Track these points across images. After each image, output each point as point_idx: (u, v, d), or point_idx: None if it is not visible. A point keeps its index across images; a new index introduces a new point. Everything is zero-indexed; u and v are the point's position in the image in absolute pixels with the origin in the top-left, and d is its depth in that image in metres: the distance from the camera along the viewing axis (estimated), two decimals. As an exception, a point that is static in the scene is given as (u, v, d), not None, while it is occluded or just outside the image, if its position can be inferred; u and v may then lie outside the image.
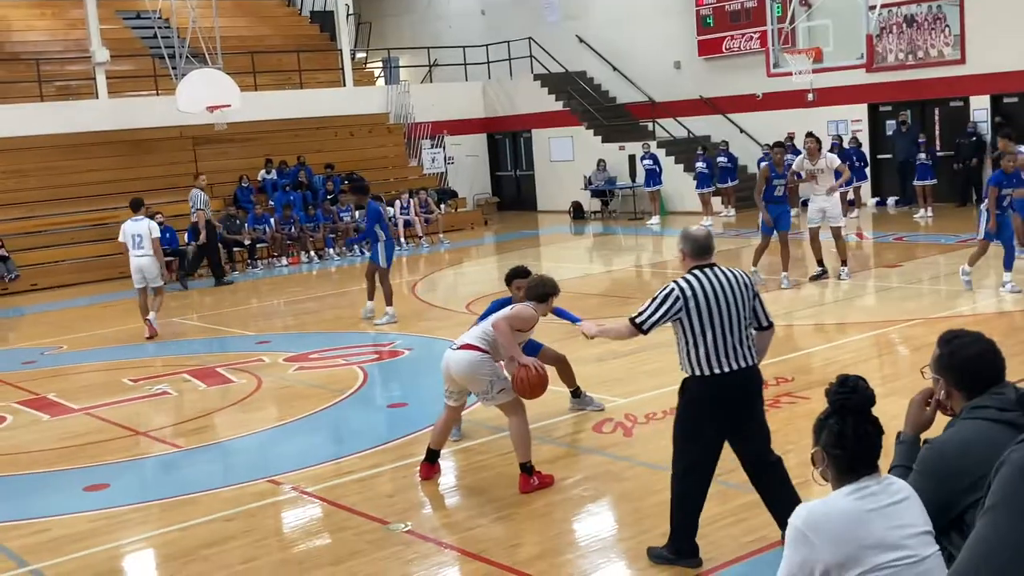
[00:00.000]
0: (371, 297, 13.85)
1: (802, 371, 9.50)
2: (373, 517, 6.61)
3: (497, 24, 29.47)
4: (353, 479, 7.42)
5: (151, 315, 13.96)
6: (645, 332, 5.48)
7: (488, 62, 29.05)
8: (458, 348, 7.12)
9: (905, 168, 21.69)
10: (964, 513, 3.28)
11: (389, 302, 13.48)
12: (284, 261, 20.56)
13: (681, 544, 5.53)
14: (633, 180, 25.12)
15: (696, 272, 5.41)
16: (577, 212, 26.20)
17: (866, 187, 22.53)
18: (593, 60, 27.79)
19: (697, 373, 5.40)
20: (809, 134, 14.45)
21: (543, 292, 7.12)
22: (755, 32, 24.28)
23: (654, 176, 23.48)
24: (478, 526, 6.37)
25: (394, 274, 16.17)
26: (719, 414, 5.43)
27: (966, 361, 3.49)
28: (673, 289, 5.37)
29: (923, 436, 3.69)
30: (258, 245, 20.95)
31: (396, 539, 6.23)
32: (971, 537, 1.73)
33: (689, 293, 5.32)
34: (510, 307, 7.19)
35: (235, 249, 20.58)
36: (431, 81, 29.79)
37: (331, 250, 21.53)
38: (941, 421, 3.65)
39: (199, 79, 20.44)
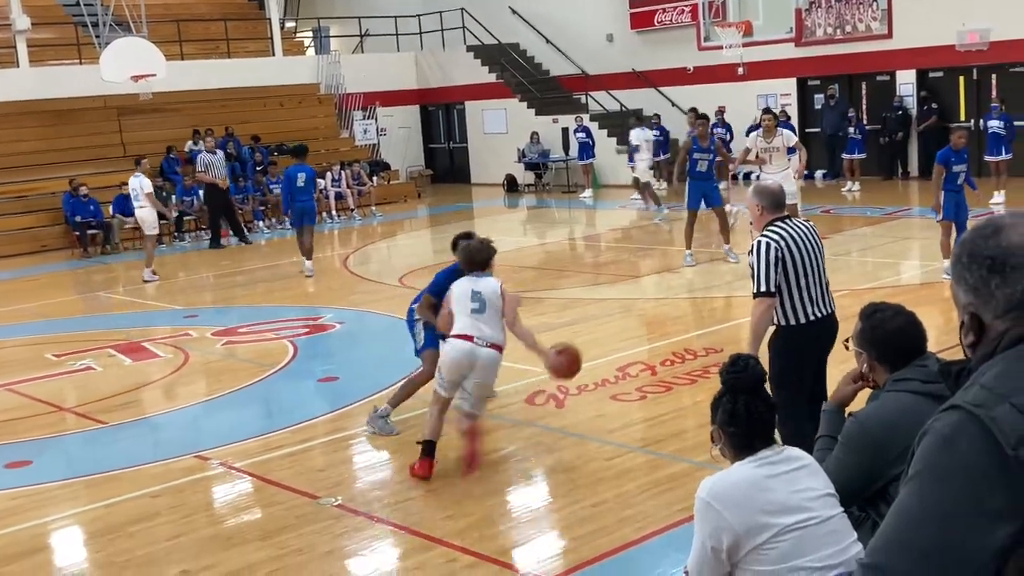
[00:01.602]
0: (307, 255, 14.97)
1: (732, 342, 9.59)
2: (303, 492, 6.55)
3: (429, -6, 29.22)
4: (283, 454, 7.35)
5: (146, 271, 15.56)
6: (773, 294, 5.41)
7: (420, 33, 28.80)
8: (488, 346, 6.50)
9: (833, 142, 21.98)
10: (889, 484, 3.33)
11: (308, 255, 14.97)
12: (209, 235, 20.22)
13: None
14: (566, 153, 25.14)
15: (778, 224, 5.48)
16: (511, 185, 26.15)
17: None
18: (527, 32, 27.69)
19: (791, 322, 5.46)
20: (767, 110, 14.06)
21: (484, 258, 6.75)
22: (686, 6, 24.35)
23: (587, 149, 23.52)
24: (409, 499, 6.35)
25: (325, 247, 16.03)
26: (810, 359, 5.54)
27: (888, 334, 3.53)
28: (768, 243, 5.40)
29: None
30: (185, 218, 20.59)
31: (326, 513, 6.18)
32: (894, 506, 1.74)
33: (783, 243, 5.39)
34: (508, 301, 6.63)
35: (161, 222, 20.17)
36: (363, 51, 29.46)
37: (260, 223, 21.25)
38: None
39: (123, 48, 19.96)
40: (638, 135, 19.42)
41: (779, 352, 5.56)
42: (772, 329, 5.62)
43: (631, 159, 19.65)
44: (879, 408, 3.47)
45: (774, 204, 5.55)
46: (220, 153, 19.63)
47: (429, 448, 6.69)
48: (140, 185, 15.97)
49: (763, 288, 5.41)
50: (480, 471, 6.70)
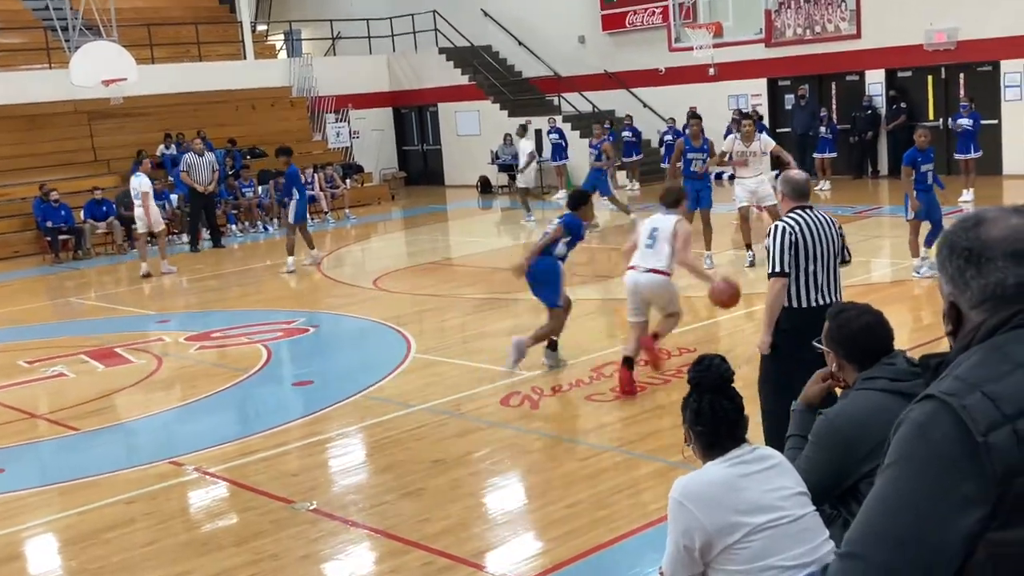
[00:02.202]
0: (311, 246, 15.90)
1: (705, 342, 9.66)
2: (278, 497, 6.54)
3: (401, -3, 29.20)
4: (258, 458, 7.34)
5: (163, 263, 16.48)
6: (787, 274, 5.77)
7: (393, 35, 28.77)
8: (645, 271, 8.08)
9: (804, 141, 22.11)
10: (859, 482, 3.37)
11: (290, 252, 15.66)
12: (185, 238, 20.11)
13: None
14: (539, 154, 25.15)
15: (797, 212, 5.85)
16: (484, 186, 26.17)
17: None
18: (499, 34, 27.71)
19: (794, 305, 5.81)
20: (746, 115, 14.19)
21: (677, 198, 8.44)
22: (657, 7, 24.44)
23: (560, 150, 23.55)
24: (385, 503, 6.35)
25: (299, 250, 16.00)
26: (804, 341, 5.63)
27: (854, 333, 3.58)
28: (784, 227, 5.79)
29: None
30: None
31: (302, 518, 6.18)
32: (870, 495, 1.79)
33: (798, 228, 5.77)
34: (680, 235, 8.14)
35: (133, 226, 20.07)
36: (335, 54, 29.40)
37: (234, 226, 21.16)
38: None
39: (93, 52, 19.83)
40: (525, 146, 20.07)
41: (781, 332, 5.87)
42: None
43: (519, 168, 20.32)
44: (848, 406, 3.52)
45: (796, 193, 5.93)
46: (209, 156, 19.39)
47: (627, 362, 8.10)
48: (140, 184, 16.59)
49: (777, 268, 5.79)
50: (454, 473, 6.72)
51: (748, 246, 13.30)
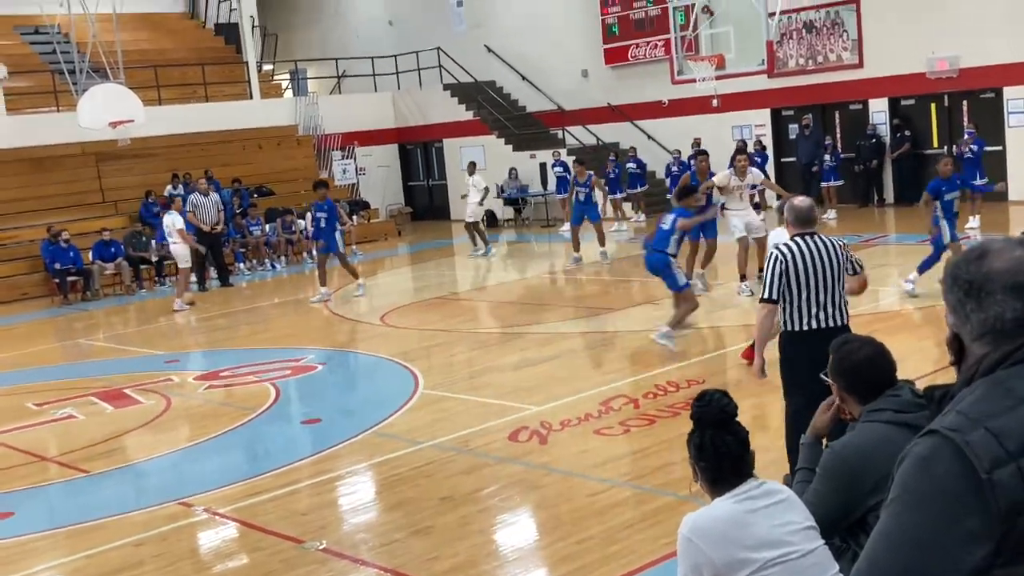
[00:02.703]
0: (323, 283, 16.24)
1: (714, 373, 9.64)
2: (288, 536, 6.52)
3: (405, 34, 29.41)
4: (267, 498, 7.32)
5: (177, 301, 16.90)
6: (774, 301, 6.03)
7: (397, 72, 28.97)
8: None
9: (809, 171, 22.16)
10: (867, 514, 3.36)
11: (355, 276, 16.47)
12: (192, 278, 20.15)
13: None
14: (545, 188, 25.25)
15: (797, 239, 6.06)
16: (491, 220, 26.21)
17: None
18: (502, 69, 27.89)
19: (790, 328, 6.03)
20: (741, 151, 14.30)
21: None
22: (659, 40, 24.60)
23: (565, 183, 23.57)
24: (395, 540, 6.33)
25: (307, 287, 16.03)
26: (811, 365, 5.83)
27: (854, 366, 3.59)
28: (776, 254, 6.04)
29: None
30: (166, 262, 20.55)
31: (311, 557, 6.15)
32: (875, 530, 1.79)
33: (789, 256, 5.97)
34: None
35: (142, 267, 20.18)
36: (340, 92, 29.59)
37: (241, 265, 21.23)
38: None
39: (101, 94, 19.98)
40: (475, 181, 20.45)
41: (782, 357, 6.12)
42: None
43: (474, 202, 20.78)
44: (854, 438, 3.51)
45: (797, 220, 6.11)
46: (214, 196, 19.47)
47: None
48: (172, 222, 17.38)
49: (764, 295, 6.09)
50: (463, 510, 6.70)
51: (743, 277, 13.41)
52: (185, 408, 10.31)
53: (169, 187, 22.71)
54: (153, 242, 20.42)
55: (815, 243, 6.00)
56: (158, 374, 11.91)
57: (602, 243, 17.66)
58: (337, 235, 16.40)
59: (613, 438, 7.96)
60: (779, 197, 19.98)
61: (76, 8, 19.92)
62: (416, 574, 5.76)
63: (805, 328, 5.96)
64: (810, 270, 5.93)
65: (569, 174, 23.68)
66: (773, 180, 22.73)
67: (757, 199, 21.23)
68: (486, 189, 20.82)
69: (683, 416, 8.21)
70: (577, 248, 17.84)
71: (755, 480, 3.29)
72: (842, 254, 6.06)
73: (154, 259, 20.22)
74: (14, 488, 8.16)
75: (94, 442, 9.27)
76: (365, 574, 5.91)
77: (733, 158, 13.78)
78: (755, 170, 14.24)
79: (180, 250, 17.44)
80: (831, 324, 5.94)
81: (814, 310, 5.95)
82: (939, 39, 20.25)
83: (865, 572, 1.79)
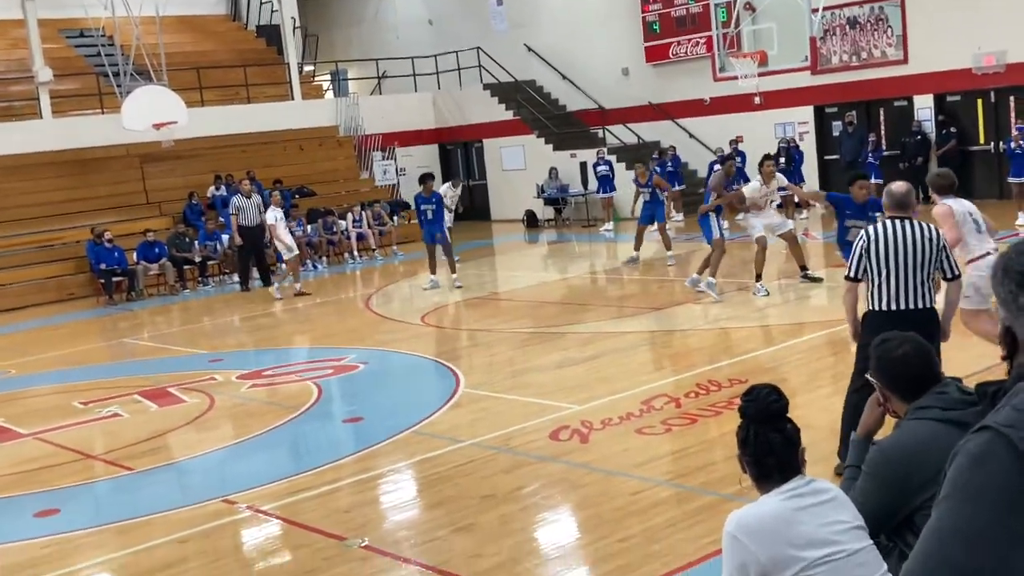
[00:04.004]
0: (433, 271, 16.84)
1: (757, 372, 9.55)
2: (330, 533, 6.54)
3: (445, 34, 29.47)
4: (309, 496, 7.35)
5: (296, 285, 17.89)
6: (857, 280, 6.28)
7: (437, 72, 29.03)
8: (996, 250, 8.32)
9: (852, 168, 21.90)
10: (915, 512, 3.31)
11: (453, 270, 16.89)
12: (235, 278, 20.34)
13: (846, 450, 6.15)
14: (585, 187, 25.20)
15: (887, 221, 6.22)
16: (531, 220, 26.22)
17: (815, 187, 22.73)
18: (542, 69, 27.87)
19: (874, 308, 6.19)
20: (768, 156, 14.22)
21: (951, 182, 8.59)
22: (701, 37, 24.46)
23: (607, 182, 23.56)
24: (436, 538, 6.33)
25: (348, 287, 16.10)
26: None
27: (892, 363, 3.55)
28: (862, 235, 6.25)
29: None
30: (209, 262, 20.75)
31: (353, 555, 6.17)
32: (927, 527, 1.75)
33: (874, 237, 6.16)
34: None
35: (185, 267, 20.38)
36: (380, 93, 29.70)
37: (283, 265, 21.33)
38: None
39: (144, 96, 20.21)
40: (444, 190, 19.76)
41: (862, 332, 6.26)
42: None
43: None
44: (900, 436, 3.47)
45: (893, 204, 6.30)
46: (256, 197, 19.48)
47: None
48: (275, 218, 18.04)
49: (848, 273, 6.34)
50: (504, 508, 6.68)
51: (759, 276, 13.34)
52: (228, 407, 10.38)
53: (212, 188, 22.93)
54: (196, 243, 20.60)
55: (905, 227, 6.12)
56: (202, 373, 12.01)
57: (668, 246, 17.45)
58: (446, 225, 17.25)
59: (654, 437, 7.91)
60: (799, 204, 20.08)
61: (120, 11, 20.14)
62: (459, 572, 5.76)
63: (884, 308, 6.12)
64: (891, 252, 6.07)
65: (613, 174, 23.70)
66: (817, 178, 22.60)
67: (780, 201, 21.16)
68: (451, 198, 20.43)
69: (725, 415, 8.16)
70: (638, 247, 17.72)
71: (803, 477, 3.25)
72: (936, 243, 6.14)
73: (197, 259, 20.40)
74: (61, 485, 8.26)
75: (139, 440, 9.36)
76: (407, 572, 5.91)
77: (761, 164, 13.61)
78: (779, 175, 14.21)
79: (287, 239, 18.06)
80: (911, 306, 6.08)
81: (895, 292, 6.10)
82: (985, 33, 19.97)
83: (917, 569, 1.76)
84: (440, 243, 16.84)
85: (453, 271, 16.84)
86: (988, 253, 8.35)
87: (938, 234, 6.21)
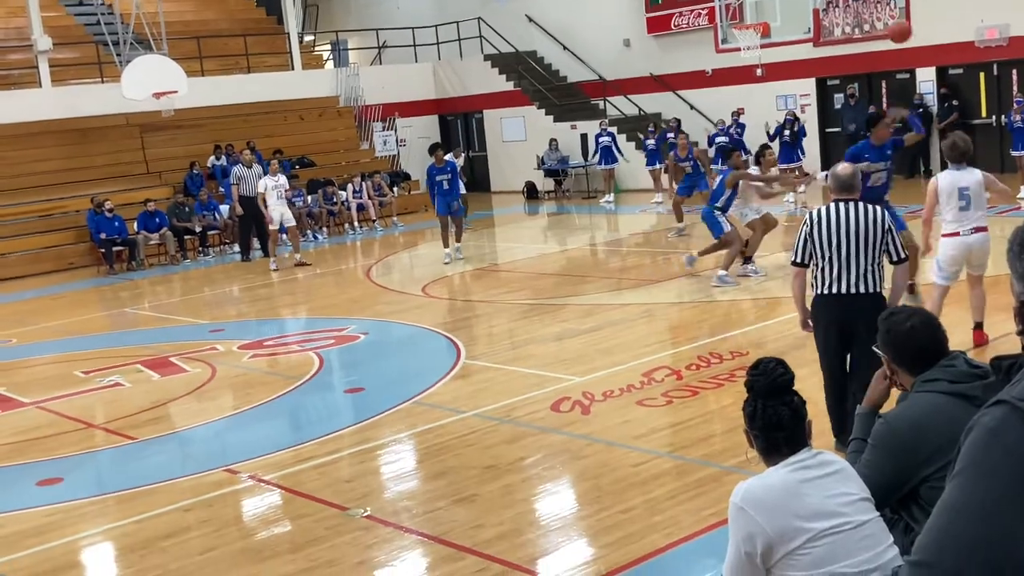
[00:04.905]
0: (447, 244, 16.44)
1: (758, 344, 9.57)
2: (332, 503, 6.57)
3: (446, 4, 29.30)
4: (311, 465, 7.38)
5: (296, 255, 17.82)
6: (800, 264, 6.28)
7: (438, 43, 28.89)
8: (973, 231, 8.20)
9: (854, 141, 21.82)
10: (920, 485, 3.32)
11: (459, 239, 16.74)
12: (236, 248, 20.32)
13: (837, 426, 6.32)
14: (585, 159, 25.13)
15: (831, 204, 6.17)
16: (531, 192, 26.17)
17: (816, 160, 22.64)
18: (543, 39, 27.73)
19: (816, 291, 6.24)
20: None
21: (964, 150, 8.39)
22: (703, 8, 24.32)
23: (609, 154, 23.47)
24: (438, 509, 6.36)
25: (348, 258, 16.09)
26: (831, 330, 6.20)
27: (899, 336, 3.56)
28: (805, 220, 6.24)
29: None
30: (209, 232, 20.72)
31: (356, 524, 6.20)
32: (940, 501, 1.75)
33: (816, 220, 6.14)
34: (990, 176, 8.46)
35: (186, 237, 20.36)
36: (380, 63, 29.57)
37: (283, 235, 21.32)
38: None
39: (144, 65, 20.12)
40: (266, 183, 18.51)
41: (812, 320, 6.38)
42: None
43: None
44: (907, 409, 3.47)
45: (837, 186, 6.20)
46: (257, 167, 19.30)
47: (977, 325, 8.30)
48: (266, 186, 18.04)
49: (793, 258, 6.34)
50: (506, 479, 6.71)
51: (748, 259, 13.10)
52: (230, 377, 10.40)
53: (212, 158, 22.87)
54: (196, 212, 20.57)
55: (849, 209, 6.07)
56: (203, 343, 12.03)
57: (679, 219, 17.42)
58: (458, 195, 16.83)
59: (655, 409, 7.94)
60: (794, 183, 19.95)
61: (120, -21, 20.01)
62: (460, 542, 5.79)
63: (827, 292, 6.12)
64: (834, 235, 6.03)
65: (616, 145, 23.59)
66: (818, 150, 22.52)
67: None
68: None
69: (726, 388, 8.18)
70: (680, 219, 17.44)
71: (810, 450, 3.26)
72: (882, 225, 6.05)
73: (198, 229, 20.38)
74: (63, 454, 8.29)
75: (141, 409, 9.39)
76: (409, 541, 5.94)
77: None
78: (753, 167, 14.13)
79: (273, 214, 17.96)
80: (851, 291, 6.05)
81: (830, 274, 6.10)
82: (988, 7, 19.86)
83: (930, 543, 1.75)
84: (458, 213, 16.68)
85: (458, 239, 16.74)
86: (958, 233, 8.20)
87: (883, 216, 6.11)
